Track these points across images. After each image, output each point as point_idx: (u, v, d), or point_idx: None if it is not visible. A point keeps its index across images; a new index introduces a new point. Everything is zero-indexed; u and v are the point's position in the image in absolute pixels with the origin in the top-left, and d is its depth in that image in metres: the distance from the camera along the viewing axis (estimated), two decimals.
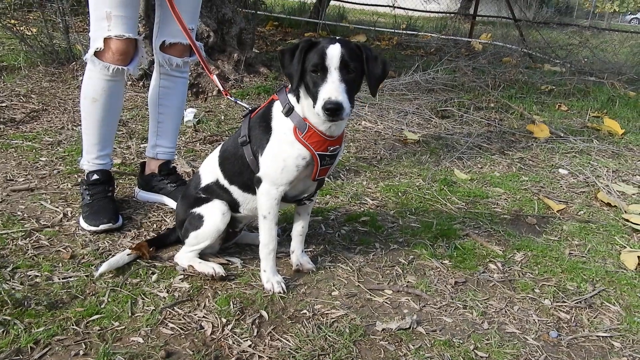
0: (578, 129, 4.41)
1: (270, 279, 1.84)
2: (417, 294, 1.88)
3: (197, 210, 1.90)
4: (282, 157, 1.71)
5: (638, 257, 2.25)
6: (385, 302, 1.82)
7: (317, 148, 1.70)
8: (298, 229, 1.98)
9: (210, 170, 1.95)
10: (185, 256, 1.92)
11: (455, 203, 2.71)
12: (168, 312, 1.66)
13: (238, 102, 2.18)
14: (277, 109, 1.76)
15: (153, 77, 2.39)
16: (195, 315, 1.66)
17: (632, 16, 31.14)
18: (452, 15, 13.32)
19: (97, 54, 2.06)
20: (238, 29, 5.28)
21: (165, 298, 1.72)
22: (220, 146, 1.98)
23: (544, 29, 10.40)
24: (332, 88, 1.56)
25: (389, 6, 11.72)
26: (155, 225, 2.23)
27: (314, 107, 1.60)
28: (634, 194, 3.08)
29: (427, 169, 3.18)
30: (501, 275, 2.05)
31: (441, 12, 13.07)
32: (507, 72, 6.57)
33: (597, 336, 1.75)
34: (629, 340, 1.74)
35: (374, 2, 13.18)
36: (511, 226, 2.51)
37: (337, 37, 1.65)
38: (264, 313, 1.69)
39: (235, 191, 1.89)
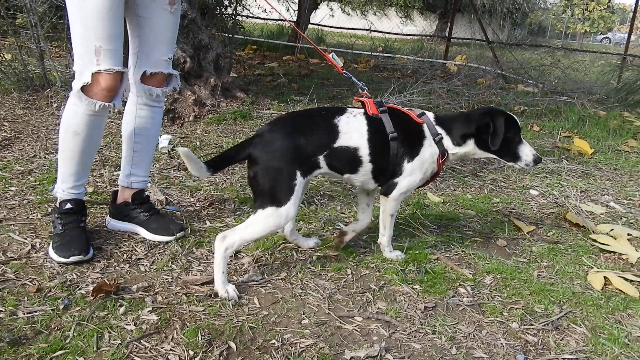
0: (549, 149, 4.51)
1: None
2: (387, 321, 1.89)
3: None
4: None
5: (604, 277, 2.30)
6: (355, 330, 1.83)
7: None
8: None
9: None
10: None
11: (427, 227, 2.74)
12: (134, 345, 1.64)
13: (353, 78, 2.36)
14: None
15: (128, 107, 2.38)
16: (162, 348, 1.64)
17: (603, 36, 32.09)
18: (428, 37, 13.60)
19: (83, 88, 2.03)
20: (215, 54, 5.33)
21: (132, 331, 1.71)
22: None
23: (517, 50, 10.67)
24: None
25: (366, 29, 11.93)
26: (125, 256, 2.22)
27: (511, 161, 2.29)
28: (602, 214, 3.15)
29: None
30: (470, 299, 2.08)
31: (417, 35, 13.32)
32: (481, 94, 6.71)
33: (563, 358, 1.78)
34: None
35: (351, 26, 13.40)
36: (482, 249, 2.54)
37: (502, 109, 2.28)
38: (232, 344, 1.68)
39: None
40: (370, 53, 10.66)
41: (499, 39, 11.02)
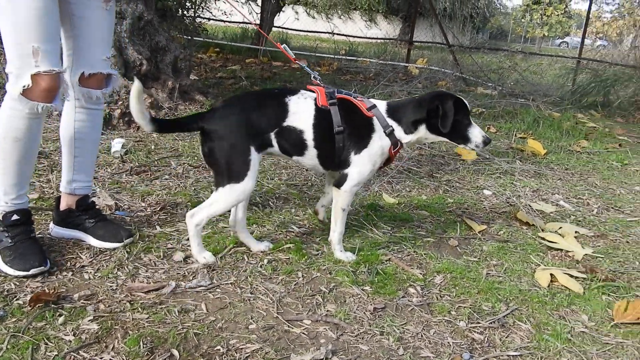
0: (504, 150, 4.61)
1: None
2: (336, 323, 1.88)
3: None
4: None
5: (551, 274, 2.35)
6: (303, 333, 1.81)
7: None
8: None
9: None
10: None
11: (380, 228, 2.75)
12: (72, 356, 1.59)
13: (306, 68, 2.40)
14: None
15: (66, 110, 2.29)
16: (101, 358, 1.59)
17: (561, 40, 33.07)
18: (391, 40, 13.74)
19: (23, 92, 1.93)
20: (173, 56, 5.25)
21: (70, 341, 1.65)
22: None
23: (478, 54, 10.88)
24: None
25: (329, 32, 11.98)
26: (69, 263, 2.14)
27: (462, 143, 2.29)
28: (551, 213, 3.22)
29: (356, 193, 3.22)
30: (420, 299, 2.09)
31: (379, 38, 13.44)
32: None
33: (507, 355, 1.80)
34: (538, 358, 1.80)
35: (315, 29, 13.42)
36: (433, 249, 2.57)
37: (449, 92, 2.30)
38: (175, 352, 1.65)
39: None
40: (333, 56, 10.70)
41: (460, 43, 11.20)
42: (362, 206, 3.02)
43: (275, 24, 11.62)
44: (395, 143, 2.23)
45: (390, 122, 2.23)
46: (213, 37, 11.16)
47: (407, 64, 9.87)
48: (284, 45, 2.43)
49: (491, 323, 1.97)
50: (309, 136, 2.13)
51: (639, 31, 9.07)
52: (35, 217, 2.50)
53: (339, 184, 2.24)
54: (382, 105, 2.27)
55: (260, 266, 2.25)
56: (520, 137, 5.21)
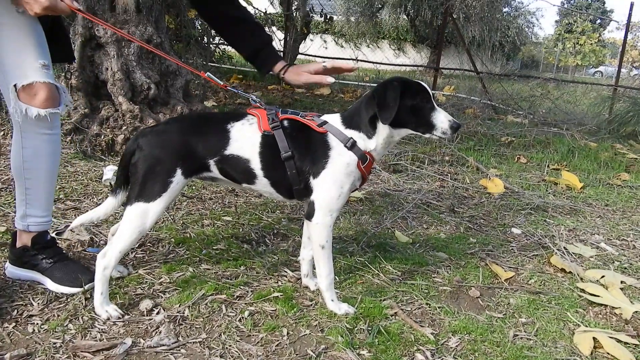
0: (535, 183, 4.17)
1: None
2: None
3: None
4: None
5: (593, 338, 1.92)
6: None
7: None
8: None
9: None
10: None
11: (389, 273, 2.37)
12: None
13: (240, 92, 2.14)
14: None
15: (14, 137, 1.96)
16: None
17: (595, 69, 32.25)
18: (418, 68, 13.46)
19: None
20: (184, 80, 5.03)
21: None
22: None
23: (508, 82, 10.47)
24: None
25: (354, 59, 11.78)
26: (15, 312, 1.83)
27: (427, 132, 1.91)
28: (591, 257, 2.78)
29: (365, 231, 2.86)
30: None
31: (406, 65, 13.20)
32: (467, 124, 6.43)
33: None
34: None
35: (344, 57, 13.26)
36: (450, 300, 2.17)
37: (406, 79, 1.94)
38: None
39: None
40: (357, 83, 10.46)
41: (489, 70, 10.82)
42: (369, 246, 2.65)
43: (300, 51, 11.50)
44: (364, 156, 1.90)
45: (349, 132, 1.91)
46: (237, 64, 11.08)
47: (434, 92, 9.53)
48: (208, 73, 2.10)
49: None
50: (256, 165, 1.88)
51: None
52: None
53: (308, 215, 1.93)
54: (335, 119, 1.95)
55: (239, 320, 1.89)
56: (554, 169, 4.76)
